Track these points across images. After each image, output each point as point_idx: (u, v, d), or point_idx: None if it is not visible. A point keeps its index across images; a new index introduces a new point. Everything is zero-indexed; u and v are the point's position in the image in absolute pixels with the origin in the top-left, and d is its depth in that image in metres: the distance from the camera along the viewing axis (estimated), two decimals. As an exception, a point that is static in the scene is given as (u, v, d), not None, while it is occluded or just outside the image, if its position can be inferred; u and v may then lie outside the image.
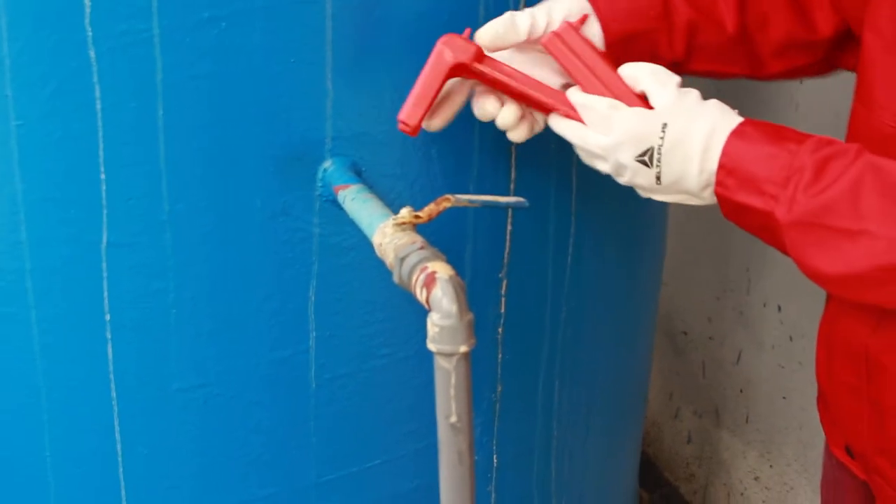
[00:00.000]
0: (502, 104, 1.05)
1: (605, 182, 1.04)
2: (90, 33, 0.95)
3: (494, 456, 1.35)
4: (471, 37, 1.03)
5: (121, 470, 1.14)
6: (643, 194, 1.02)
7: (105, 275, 1.05)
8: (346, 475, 1.24)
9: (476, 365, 0.94)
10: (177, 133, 1.01)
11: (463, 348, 0.88)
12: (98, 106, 0.98)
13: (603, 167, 1.01)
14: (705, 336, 2.25)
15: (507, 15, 1.03)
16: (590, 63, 1.02)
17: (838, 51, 1.14)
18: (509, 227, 1.24)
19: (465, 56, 1.01)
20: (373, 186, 1.08)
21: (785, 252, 0.95)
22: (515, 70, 1.03)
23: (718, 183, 0.95)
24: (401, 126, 1.02)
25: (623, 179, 1.00)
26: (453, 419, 0.90)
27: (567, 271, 1.32)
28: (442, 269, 0.90)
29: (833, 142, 0.93)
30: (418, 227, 0.98)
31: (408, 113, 1.01)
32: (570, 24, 1.03)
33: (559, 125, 1.03)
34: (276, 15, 1.01)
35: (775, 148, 0.93)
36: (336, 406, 1.19)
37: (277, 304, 1.12)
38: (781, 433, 2.07)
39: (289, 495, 1.21)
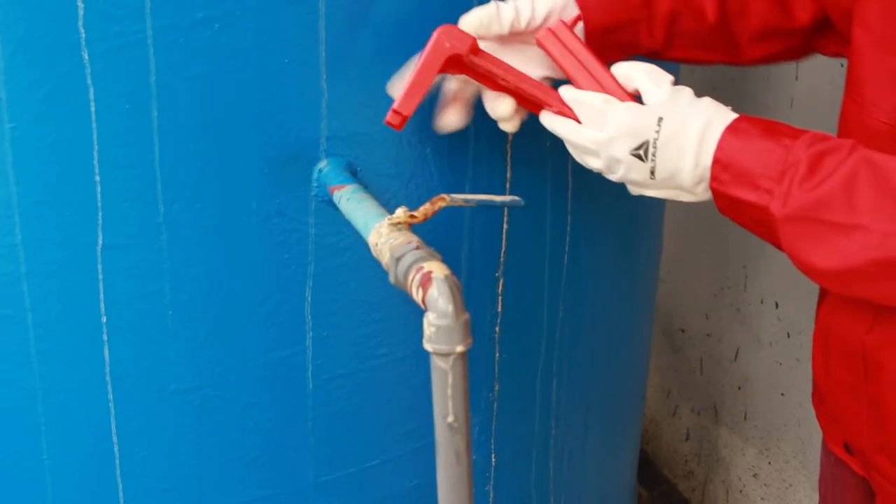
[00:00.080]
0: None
1: (601, 180, 1.04)
2: (83, 35, 0.95)
3: (492, 455, 1.35)
4: None
5: (118, 472, 1.14)
6: (635, 191, 1.02)
7: (101, 277, 1.05)
8: (345, 475, 1.24)
9: (473, 364, 0.94)
10: (171, 134, 1.01)
11: (459, 348, 0.88)
12: (92, 108, 0.98)
13: (595, 164, 1.01)
14: (703, 333, 2.25)
15: (492, 5, 1.04)
16: (583, 60, 1.03)
17: (815, 36, 1.14)
18: (505, 226, 1.24)
19: (462, 47, 1.01)
20: (368, 186, 1.08)
21: (779, 247, 0.95)
22: (509, 65, 1.04)
23: (713, 177, 0.95)
24: (390, 116, 1.01)
25: (615, 176, 1.00)
26: (450, 419, 0.90)
27: (564, 270, 1.32)
28: (438, 269, 0.90)
29: (828, 137, 0.93)
30: (414, 227, 0.98)
31: (401, 102, 1.01)
32: (563, 22, 1.04)
33: (551, 122, 1.03)
34: (270, 15, 1.01)
35: (770, 143, 0.93)
36: (334, 406, 1.19)
37: (274, 305, 1.12)
38: (780, 430, 2.07)
39: (287, 496, 1.21)
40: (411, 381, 1.23)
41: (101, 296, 1.06)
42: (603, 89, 1.01)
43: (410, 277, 0.91)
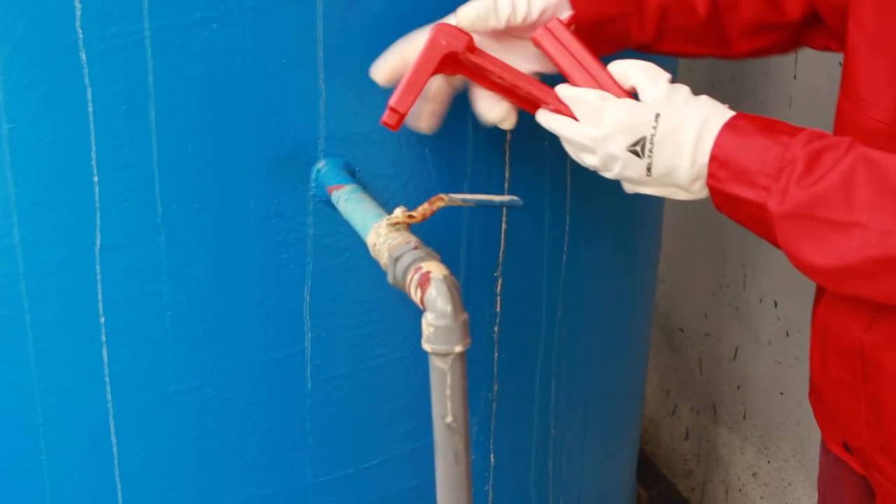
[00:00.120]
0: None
1: (599, 180, 1.04)
2: (81, 35, 0.95)
3: (491, 455, 1.35)
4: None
5: (117, 472, 1.14)
6: (630, 188, 1.02)
7: (99, 277, 1.05)
8: (343, 476, 1.24)
9: (472, 364, 0.94)
10: (169, 135, 1.01)
11: (458, 348, 0.88)
12: (90, 108, 0.98)
13: (591, 161, 1.01)
14: (702, 332, 2.25)
15: None
16: (579, 58, 1.03)
17: (805, 30, 1.15)
18: (504, 226, 1.24)
19: (458, 44, 1.01)
20: (366, 186, 1.08)
21: (776, 244, 0.95)
22: (505, 63, 1.04)
23: (710, 175, 0.95)
24: (386, 116, 1.01)
25: (612, 173, 1.00)
26: (449, 419, 0.90)
27: (562, 269, 1.32)
28: (436, 269, 0.90)
29: (825, 135, 0.93)
30: (412, 227, 0.98)
31: (397, 100, 1.00)
32: (559, 20, 1.04)
33: (547, 119, 1.03)
34: (268, 15, 1.01)
35: (768, 140, 0.93)
36: (332, 407, 1.19)
37: (272, 305, 1.12)
38: (779, 429, 2.07)
39: (286, 496, 1.21)
40: (410, 382, 1.23)
41: (100, 296, 1.06)
42: (600, 87, 1.01)
43: (409, 277, 0.91)
